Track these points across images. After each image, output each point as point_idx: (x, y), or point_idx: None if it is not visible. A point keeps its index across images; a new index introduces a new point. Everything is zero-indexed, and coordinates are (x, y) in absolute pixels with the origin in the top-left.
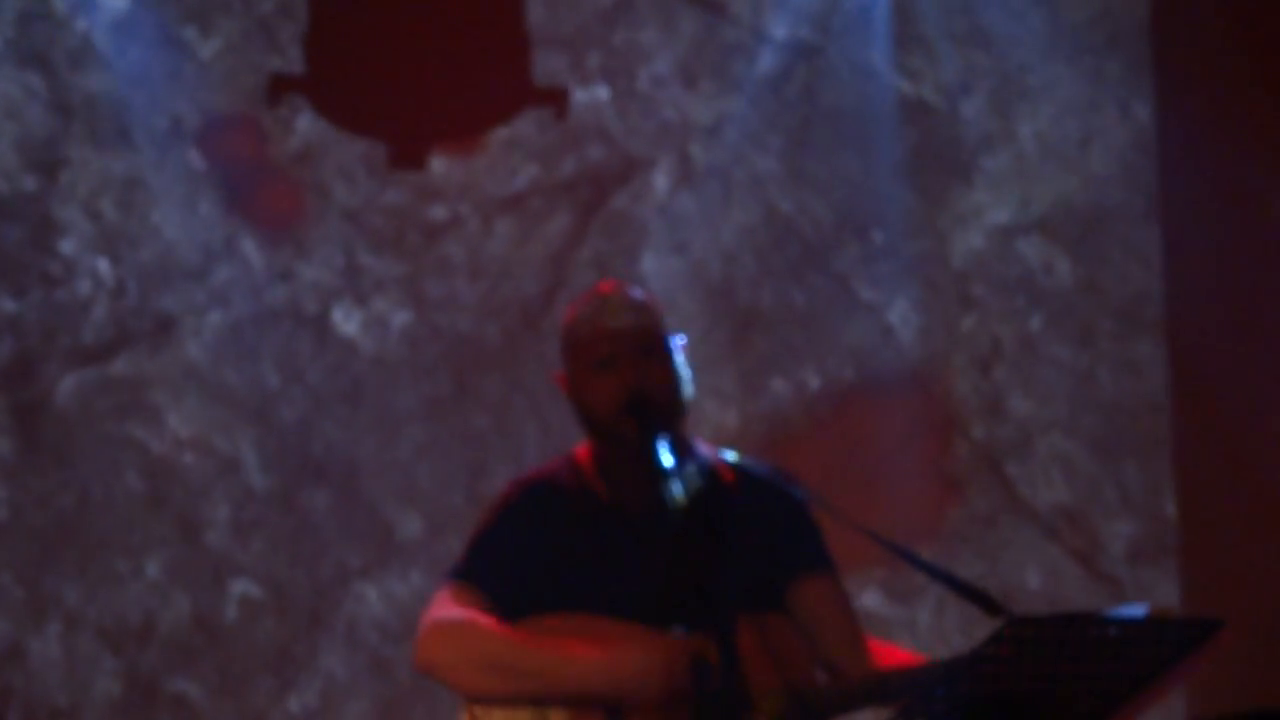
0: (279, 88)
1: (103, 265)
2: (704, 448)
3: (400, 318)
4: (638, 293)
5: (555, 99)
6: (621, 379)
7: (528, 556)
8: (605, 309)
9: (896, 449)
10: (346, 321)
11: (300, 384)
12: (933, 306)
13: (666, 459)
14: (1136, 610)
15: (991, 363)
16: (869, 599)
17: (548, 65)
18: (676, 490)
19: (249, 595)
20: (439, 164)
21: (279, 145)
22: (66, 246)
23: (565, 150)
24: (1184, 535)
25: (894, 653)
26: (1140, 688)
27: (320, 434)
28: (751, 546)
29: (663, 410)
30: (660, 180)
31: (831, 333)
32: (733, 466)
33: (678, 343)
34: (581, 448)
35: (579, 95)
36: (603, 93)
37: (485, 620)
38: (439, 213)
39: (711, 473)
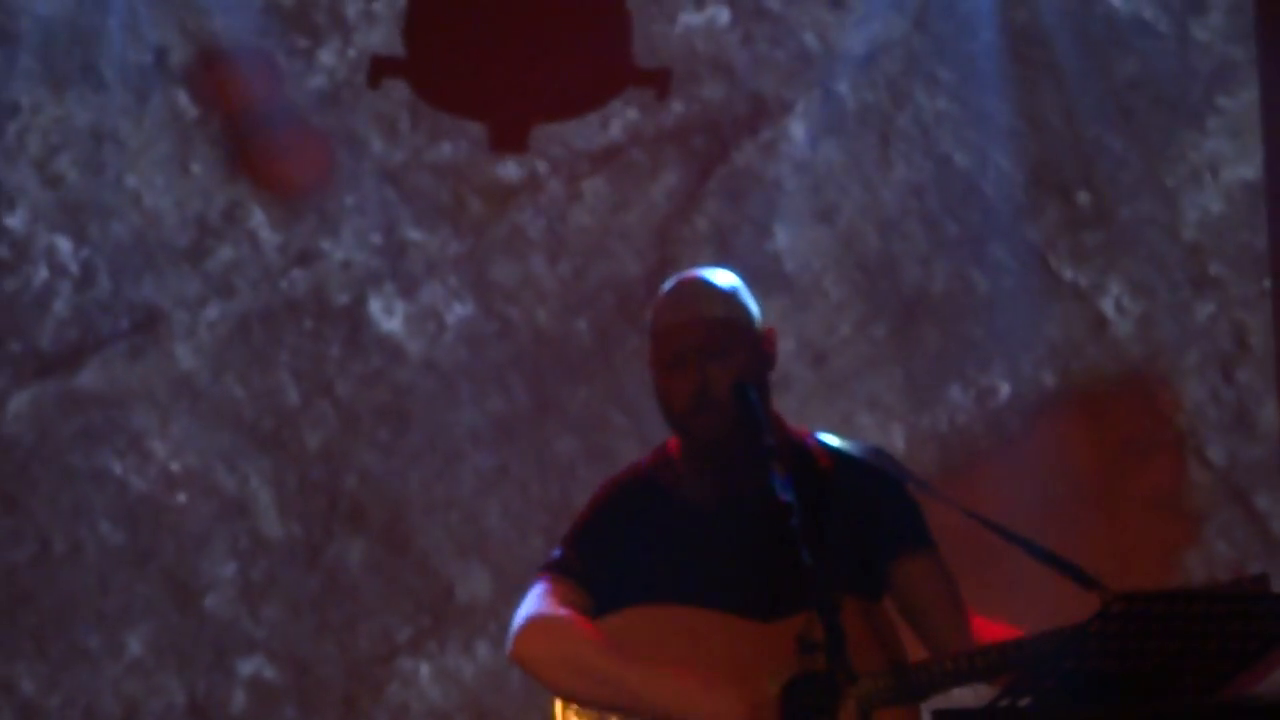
0: (380, 71)
1: (64, 245)
2: (799, 431)
3: (458, 311)
4: (720, 283)
5: (657, 80)
6: (685, 383)
7: (625, 551)
8: (678, 304)
9: (1111, 475)
10: (388, 316)
11: (328, 398)
12: (1157, 289)
13: (765, 441)
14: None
15: (1235, 362)
16: None
17: None
18: (778, 474)
19: (262, 677)
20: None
21: (298, 86)
22: (15, 220)
23: (674, 89)
24: None
25: (999, 629)
26: (1249, 663)
27: (354, 464)
28: (852, 528)
29: (728, 409)
30: (798, 127)
31: (1026, 325)
32: (828, 448)
33: (756, 335)
34: (673, 440)
35: (690, 17)
36: (722, 13)
37: (583, 625)
38: (509, 171)
39: (808, 456)
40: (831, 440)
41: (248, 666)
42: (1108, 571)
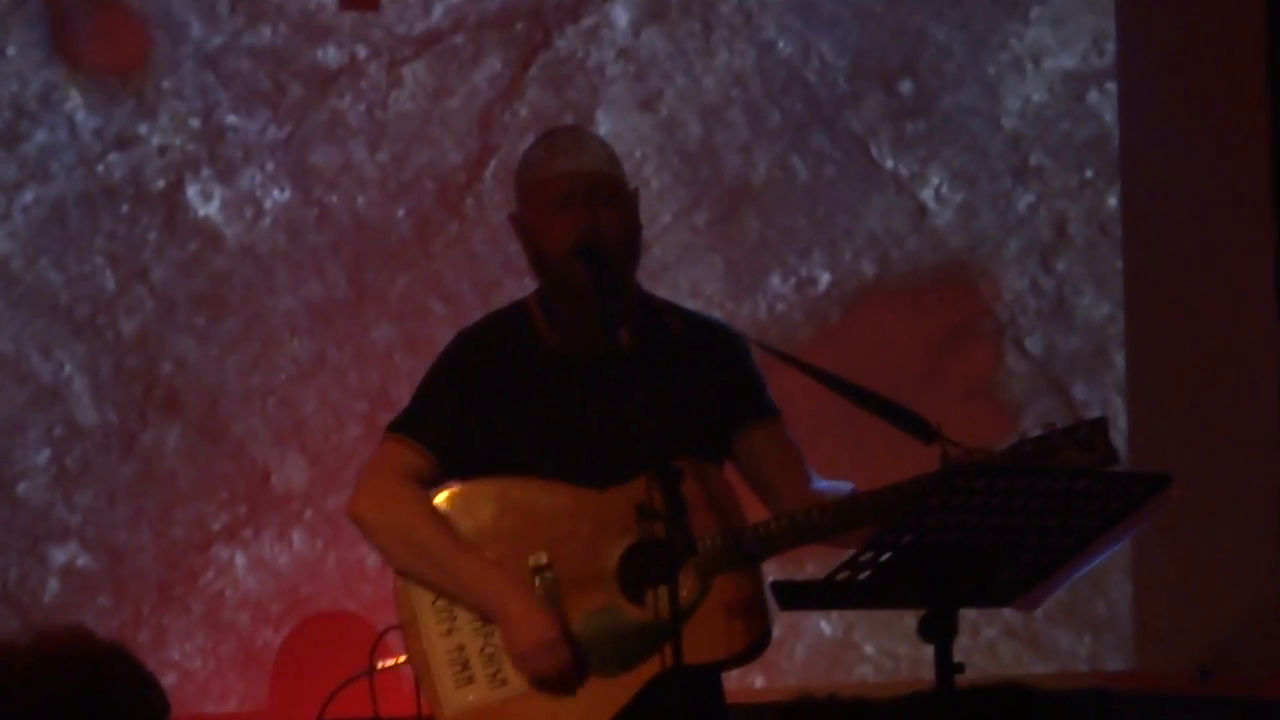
0: None
1: None
2: (653, 296)
3: (277, 197)
4: (598, 138)
5: None
6: (575, 221)
7: (471, 408)
8: (564, 148)
9: (930, 365)
10: (205, 201)
11: (144, 284)
12: (978, 179)
13: (616, 302)
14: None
15: (1055, 252)
16: None
17: None
18: (624, 334)
19: (76, 565)
20: None
21: None
22: None
23: None
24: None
25: (841, 490)
26: (1087, 541)
27: (170, 351)
28: (698, 394)
29: (615, 256)
30: (620, 13)
31: (846, 214)
32: (680, 314)
33: (632, 193)
34: (532, 295)
35: None
36: None
37: (422, 499)
38: (329, 56)
39: (660, 320)
40: (684, 308)
41: (61, 554)
42: (926, 462)
